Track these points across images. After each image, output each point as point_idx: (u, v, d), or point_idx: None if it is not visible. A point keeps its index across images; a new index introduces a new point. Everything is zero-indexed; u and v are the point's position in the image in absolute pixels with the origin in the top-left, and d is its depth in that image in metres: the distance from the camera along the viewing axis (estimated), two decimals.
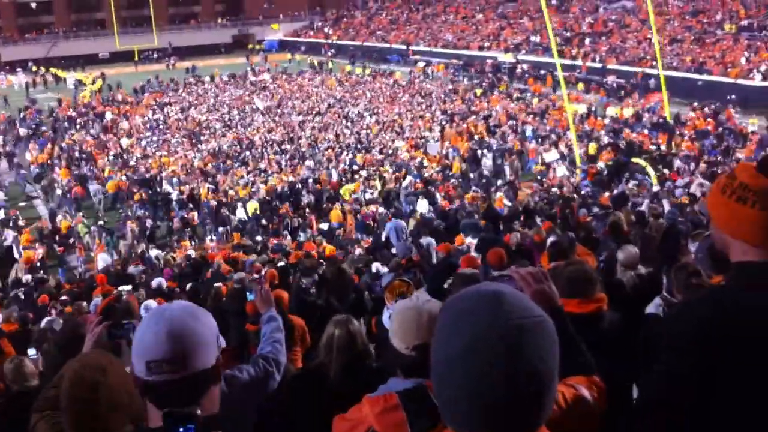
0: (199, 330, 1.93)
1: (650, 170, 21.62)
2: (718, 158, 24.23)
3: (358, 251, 17.08)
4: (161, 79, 50.51)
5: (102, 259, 20.19)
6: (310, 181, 26.34)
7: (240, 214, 23.70)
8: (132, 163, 30.54)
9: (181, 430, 1.79)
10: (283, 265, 12.95)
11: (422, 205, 22.20)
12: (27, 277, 17.36)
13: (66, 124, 38.53)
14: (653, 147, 26.24)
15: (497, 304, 1.40)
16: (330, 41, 66.28)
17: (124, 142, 34.05)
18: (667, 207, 14.66)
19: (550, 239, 11.01)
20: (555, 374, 1.40)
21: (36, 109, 41.58)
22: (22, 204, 27.08)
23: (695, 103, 32.12)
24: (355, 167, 28.09)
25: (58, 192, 26.94)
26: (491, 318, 1.38)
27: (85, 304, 10.77)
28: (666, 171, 21.89)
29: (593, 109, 34.13)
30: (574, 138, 26.09)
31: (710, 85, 35.30)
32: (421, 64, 51.79)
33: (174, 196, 25.77)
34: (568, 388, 1.98)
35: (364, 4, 76.34)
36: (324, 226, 22.09)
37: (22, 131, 36.60)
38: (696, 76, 36.74)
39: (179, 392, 1.89)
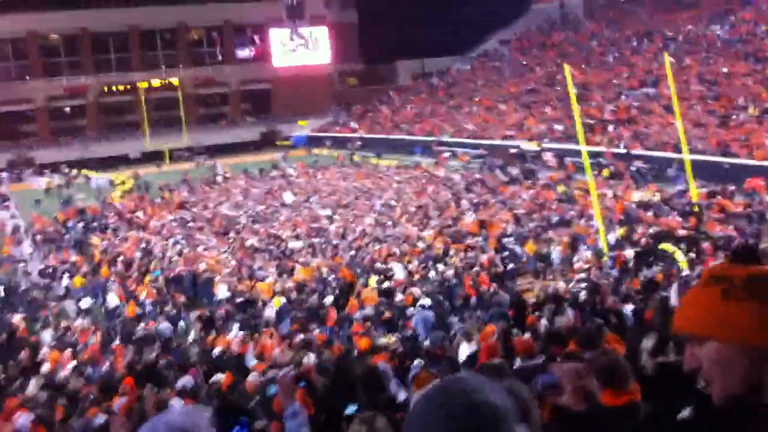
0: None
1: (679, 255, 21.27)
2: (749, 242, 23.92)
3: (382, 340, 16.67)
4: (190, 178, 51.23)
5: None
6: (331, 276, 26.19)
7: (269, 309, 23.46)
8: (164, 263, 30.43)
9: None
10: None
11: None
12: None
13: (95, 224, 38.95)
14: (681, 232, 25.88)
15: (457, 392, 1.61)
16: (357, 135, 67.42)
17: (156, 241, 34.14)
18: None
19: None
20: None
21: (69, 210, 41.89)
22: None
23: (720, 186, 32.01)
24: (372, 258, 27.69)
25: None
26: (447, 401, 1.61)
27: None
28: (693, 255, 21.51)
29: (619, 194, 34.01)
30: (600, 225, 25.77)
31: (736, 168, 35.10)
32: (446, 155, 52.34)
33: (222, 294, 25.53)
34: None
35: (389, 98, 77.89)
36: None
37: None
38: (722, 159, 36.62)
39: None
